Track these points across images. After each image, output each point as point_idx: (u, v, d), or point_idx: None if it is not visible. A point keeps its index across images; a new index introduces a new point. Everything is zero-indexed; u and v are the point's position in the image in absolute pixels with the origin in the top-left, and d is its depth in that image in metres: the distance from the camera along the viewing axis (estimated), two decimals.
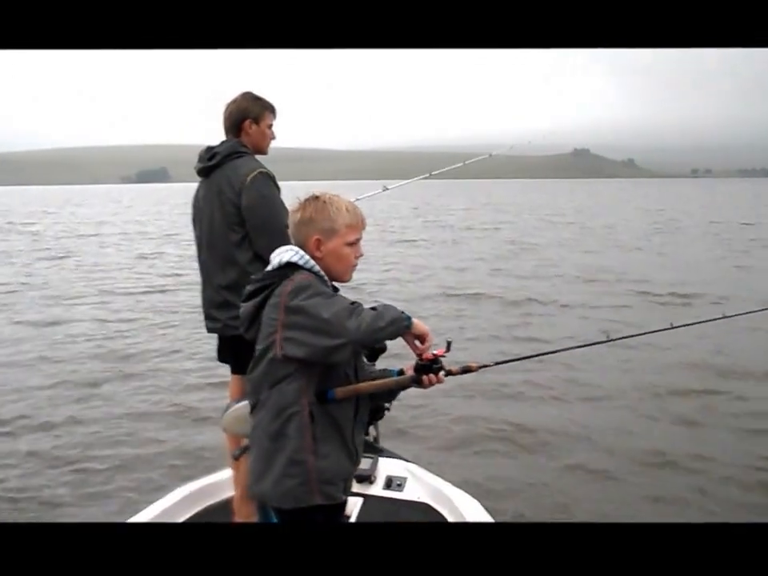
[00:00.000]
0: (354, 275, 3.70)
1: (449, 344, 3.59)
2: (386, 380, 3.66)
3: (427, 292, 18.26)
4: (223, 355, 5.20)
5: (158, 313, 16.22)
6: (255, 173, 4.89)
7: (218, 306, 5.05)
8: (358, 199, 5.63)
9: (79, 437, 8.87)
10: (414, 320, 3.50)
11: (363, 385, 3.59)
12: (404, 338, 3.52)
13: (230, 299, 4.94)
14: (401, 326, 3.43)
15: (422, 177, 6.88)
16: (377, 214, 51.93)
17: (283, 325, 3.42)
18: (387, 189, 6.60)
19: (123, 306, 17.10)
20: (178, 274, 22.18)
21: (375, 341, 3.40)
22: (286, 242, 3.69)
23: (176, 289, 19.50)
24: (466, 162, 6.87)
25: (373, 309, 3.42)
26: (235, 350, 4.95)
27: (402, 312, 3.46)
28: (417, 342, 3.54)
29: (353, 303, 3.42)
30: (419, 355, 3.59)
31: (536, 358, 4.28)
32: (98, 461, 8.20)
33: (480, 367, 3.81)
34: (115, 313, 16.23)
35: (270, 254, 3.65)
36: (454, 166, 6.89)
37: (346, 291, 3.68)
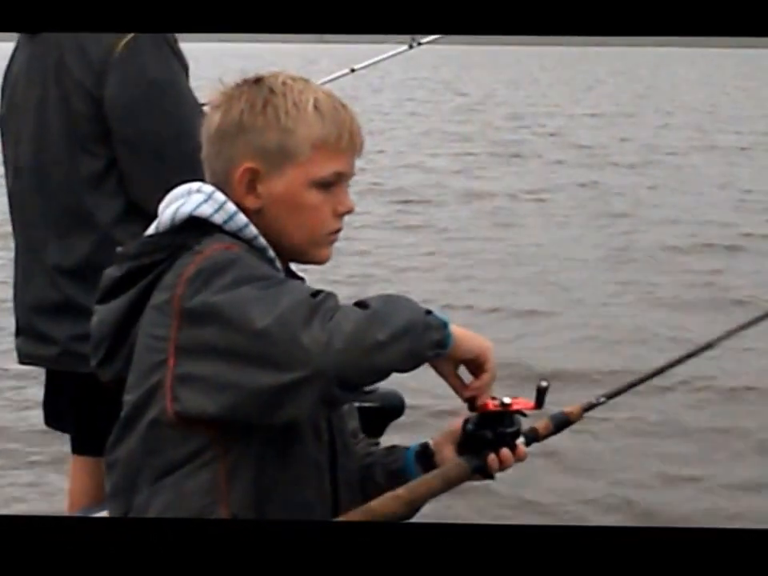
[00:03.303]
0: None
1: (542, 391, 1.89)
2: (425, 479, 1.92)
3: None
4: (57, 414, 2.94)
5: None
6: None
7: (49, 310, 2.80)
8: (324, 82, 3.64)
9: None
10: (455, 327, 1.82)
11: (387, 501, 1.88)
12: (436, 369, 1.86)
13: (76, 296, 2.75)
14: (427, 339, 1.76)
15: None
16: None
17: (178, 348, 1.79)
18: (355, 70, 4.37)
19: None
20: None
21: (370, 372, 1.77)
22: (198, 178, 1.98)
23: None
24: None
25: (361, 304, 1.77)
26: (81, 405, 2.80)
27: (428, 311, 1.79)
28: (465, 376, 1.89)
29: (317, 293, 1.77)
30: (470, 402, 1.90)
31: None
32: None
33: (585, 409, 2.06)
34: None
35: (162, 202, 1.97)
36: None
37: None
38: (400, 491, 1.88)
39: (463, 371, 1.88)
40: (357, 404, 2.12)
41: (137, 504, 1.87)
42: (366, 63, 4.53)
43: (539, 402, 1.89)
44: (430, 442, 2.02)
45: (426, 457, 2.00)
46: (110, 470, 1.93)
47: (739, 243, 11.01)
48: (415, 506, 1.89)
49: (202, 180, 1.96)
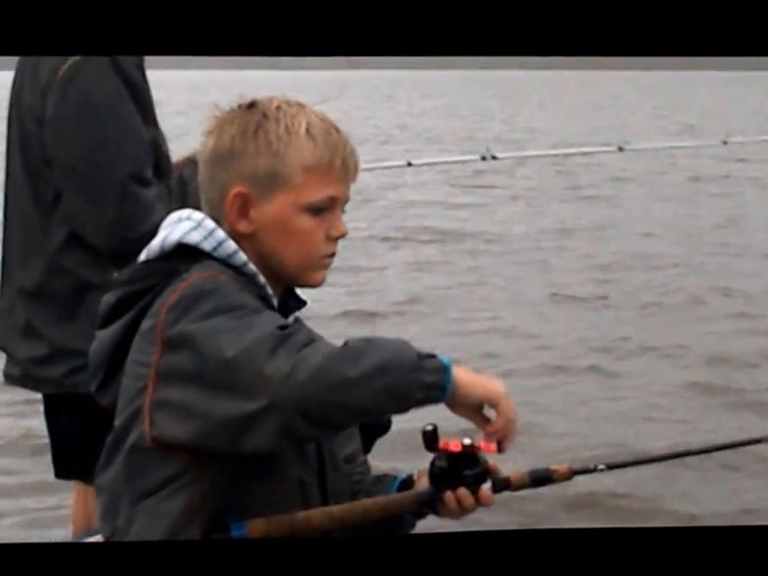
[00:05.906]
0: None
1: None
2: (364, 503, 1.90)
3: None
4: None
5: None
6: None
7: (13, 330, 2.86)
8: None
9: None
10: (462, 372, 1.76)
11: (317, 514, 1.85)
12: (456, 413, 1.81)
13: (32, 319, 2.79)
14: (414, 379, 1.70)
15: None
16: None
17: (157, 375, 1.79)
18: None
19: None
20: None
21: (338, 408, 1.70)
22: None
23: None
24: None
25: (345, 342, 1.76)
26: (50, 427, 2.87)
27: (430, 354, 1.74)
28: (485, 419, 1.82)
29: (286, 327, 1.77)
30: (440, 450, 1.84)
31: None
32: None
33: (575, 473, 1.94)
34: None
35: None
36: None
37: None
38: (334, 508, 1.89)
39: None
40: None
41: (118, 527, 1.88)
42: None
43: (499, 447, 1.83)
44: (415, 474, 1.98)
45: (407, 488, 1.97)
46: (99, 493, 1.95)
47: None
48: (347, 525, 1.87)
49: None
